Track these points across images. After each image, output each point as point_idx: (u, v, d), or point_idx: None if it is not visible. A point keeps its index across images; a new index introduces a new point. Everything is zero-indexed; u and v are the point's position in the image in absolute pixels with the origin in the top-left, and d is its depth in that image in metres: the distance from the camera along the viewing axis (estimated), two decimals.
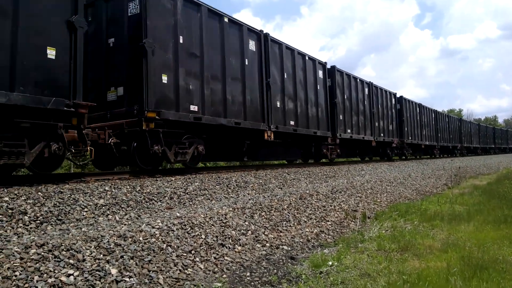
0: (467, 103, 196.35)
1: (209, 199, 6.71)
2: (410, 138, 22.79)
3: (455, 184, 13.93)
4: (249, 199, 6.77)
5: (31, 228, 4.35)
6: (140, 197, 5.90)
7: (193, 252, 4.43)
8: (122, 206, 5.48)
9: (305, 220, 6.57)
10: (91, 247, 3.78)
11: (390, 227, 6.54)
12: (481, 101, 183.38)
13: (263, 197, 7.11)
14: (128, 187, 6.13)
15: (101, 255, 3.73)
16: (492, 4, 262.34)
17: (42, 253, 3.47)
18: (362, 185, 10.16)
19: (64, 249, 3.61)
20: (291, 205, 6.86)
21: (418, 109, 25.01)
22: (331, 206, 7.65)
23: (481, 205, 8.44)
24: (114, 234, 4.11)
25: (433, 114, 28.63)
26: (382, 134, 19.12)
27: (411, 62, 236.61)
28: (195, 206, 6.12)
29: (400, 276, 4.04)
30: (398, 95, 22.46)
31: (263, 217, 6.00)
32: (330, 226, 6.72)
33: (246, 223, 5.59)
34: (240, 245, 4.99)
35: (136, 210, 5.50)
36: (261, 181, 8.63)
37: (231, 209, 5.79)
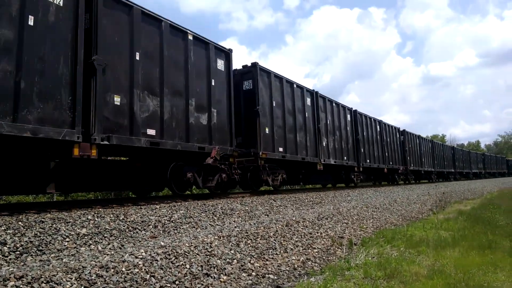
0: (450, 129, 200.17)
1: (194, 227, 6.63)
2: (280, 149, 12.46)
3: (440, 209, 14.03)
4: (235, 227, 6.70)
5: (10, 259, 4.23)
6: (124, 226, 5.80)
7: (177, 282, 4.34)
8: (105, 235, 5.38)
9: (292, 247, 6.52)
10: (71, 278, 3.69)
11: (376, 254, 6.52)
12: (464, 127, 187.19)
13: (249, 224, 7.06)
14: (111, 215, 6.03)
15: (82, 287, 3.63)
16: (471, 33, 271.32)
17: (21, 286, 3.37)
18: (348, 211, 10.17)
19: (44, 281, 3.51)
20: (278, 232, 6.81)
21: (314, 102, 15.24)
22: (317, 233, 7.62)
23: (466, 230, 8.48)
24: (96, 265, 4.02)
25: (348, 116, 18.52)
26: (196, 137, 9.17)
27: (394, 89, 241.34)
28: (180, 234, 6.04)
29: None
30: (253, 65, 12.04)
31: (249, 245, 5.94)
32: (316, 253, 6.67)
33: (232, 251, 5.52)
34: (225, 274, 4.91)
35: (119, 239, 5.41)
36: (247, 208, 8.58)
37: (216, 237, 5.72)
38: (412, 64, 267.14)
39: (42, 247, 4.63)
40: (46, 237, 4.83)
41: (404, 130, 27.06)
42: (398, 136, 25.53)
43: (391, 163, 23.17)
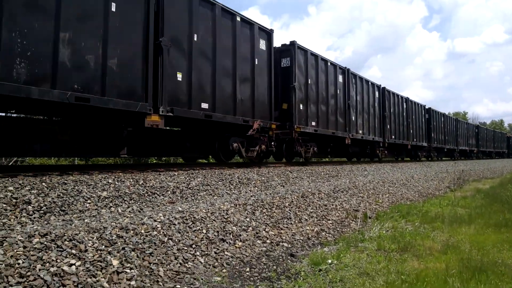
0: (473, 106, 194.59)
1: (211, 194, 6.75)
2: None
3: (458, 187, 13.91)
4: (251, 196, 6.80)
5: (34, 218, 4.40)
6: (143, 191, 5.94)
7: (194, 246, 4.47)
8: (125, 199, 5.53)
9: (306, 218, 6.60)
10: (93, 238, 3.83)
11: (390, 228, 6.56)
12: (487, 105, 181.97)
13: (265, 194, 7.14)
14: (131, 180, 6.17)
15: (103, 246, 3.77)
16: (500, 9, 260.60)
17: (45, 243, 3.51)
18: (364, 185, 10.17)
19: (67, 239, 3.65)
20: (293, 203, 6.89)
21: None
22: (332, 205, 7.68)
23: (482, 208, 8.43)
24: (116, 226, 4.16)
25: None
26: None
27: (418, 64, 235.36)
28: (197, 201, 6.16)
29: (398, 276, 4.06)
30: None
31: (264, 214, 6.04)
32: (331, 225, 6.74)
33: (247, 219, 5.63)
34: (240, 240, 5.03)
35: (138, 203, 5.55)
36: (263, 179, 8.66)
37: (232, 205, 5.83)
38: (438, 39, 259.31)
39: (65, 208, 4.79)
40: (68, 198, 4.99)
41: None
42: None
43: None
